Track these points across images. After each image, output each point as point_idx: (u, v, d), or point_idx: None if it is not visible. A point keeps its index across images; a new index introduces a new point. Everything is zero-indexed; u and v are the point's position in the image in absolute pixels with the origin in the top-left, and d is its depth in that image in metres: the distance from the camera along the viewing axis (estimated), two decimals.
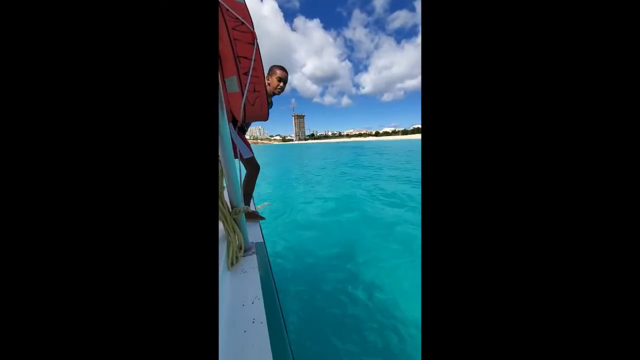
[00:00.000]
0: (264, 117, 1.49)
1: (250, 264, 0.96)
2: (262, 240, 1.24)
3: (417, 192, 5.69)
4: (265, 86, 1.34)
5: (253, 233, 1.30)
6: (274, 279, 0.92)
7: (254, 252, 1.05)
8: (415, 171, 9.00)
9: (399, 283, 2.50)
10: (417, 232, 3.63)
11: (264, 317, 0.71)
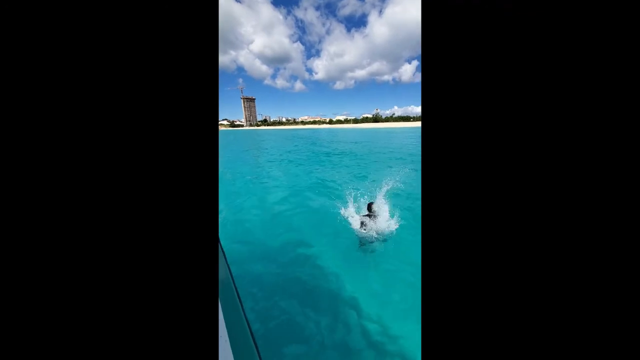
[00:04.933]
0: None
1: None
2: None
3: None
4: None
5: None
6: (233, 279, 0.91)
7: None
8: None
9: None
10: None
11: (222, 317, 0.69)
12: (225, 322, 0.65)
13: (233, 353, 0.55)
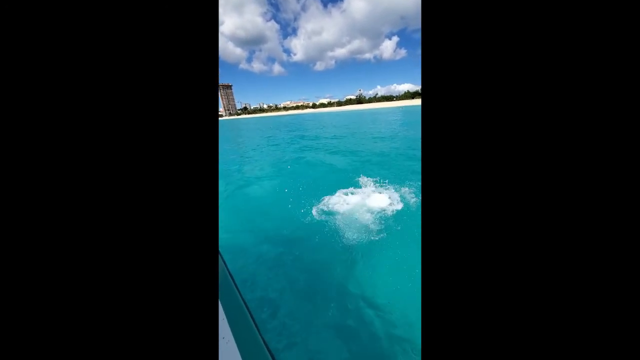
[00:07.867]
0: None
1: None
2: None
3: None
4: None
5: None
6: (233, 279, 0.90)
7: None
8: None
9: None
10: None
11: (224, 315, 0.72)
12: (225, 309, 0.65)
13: (231, 331, 0.58)
